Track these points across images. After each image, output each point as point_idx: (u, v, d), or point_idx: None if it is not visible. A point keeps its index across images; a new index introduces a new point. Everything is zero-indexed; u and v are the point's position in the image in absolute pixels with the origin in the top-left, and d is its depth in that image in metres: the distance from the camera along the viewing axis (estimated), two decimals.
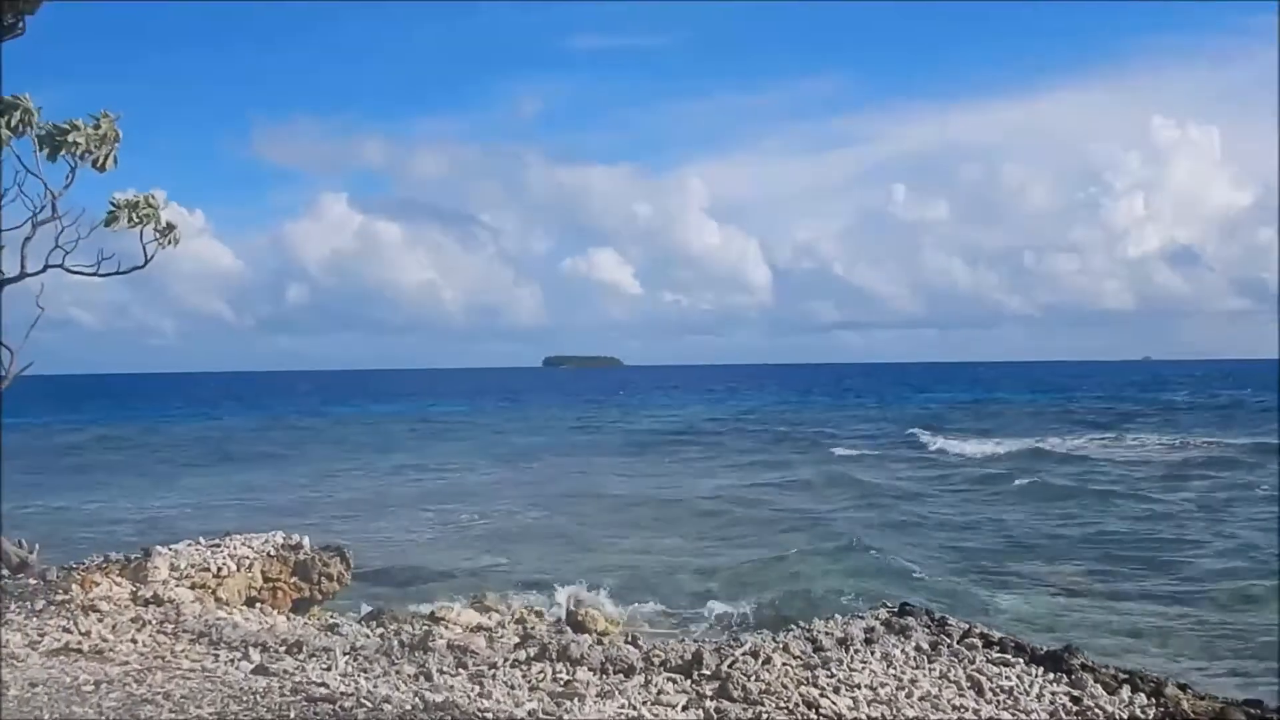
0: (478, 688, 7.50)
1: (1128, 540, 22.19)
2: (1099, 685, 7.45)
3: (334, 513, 27.99)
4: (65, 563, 12.27)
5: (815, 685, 7.42)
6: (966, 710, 7.08)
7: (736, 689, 7.27)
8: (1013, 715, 7.04)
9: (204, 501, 30.76)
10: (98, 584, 11.09)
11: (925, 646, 8.22)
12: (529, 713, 6.85)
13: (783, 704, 7.03)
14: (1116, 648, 13.10)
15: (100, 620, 9.65)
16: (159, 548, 12.45)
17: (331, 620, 11.59)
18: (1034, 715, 7.03)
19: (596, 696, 7.30)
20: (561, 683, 7.78)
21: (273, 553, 13.09)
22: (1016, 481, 31.85)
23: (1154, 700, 7.30)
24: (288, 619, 11.39)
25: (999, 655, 8.04)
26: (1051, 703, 7.22)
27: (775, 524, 24.85)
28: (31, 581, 11.11)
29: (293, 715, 6.29)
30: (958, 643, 8.38)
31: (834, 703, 7.02)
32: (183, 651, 8.62)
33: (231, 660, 8.20)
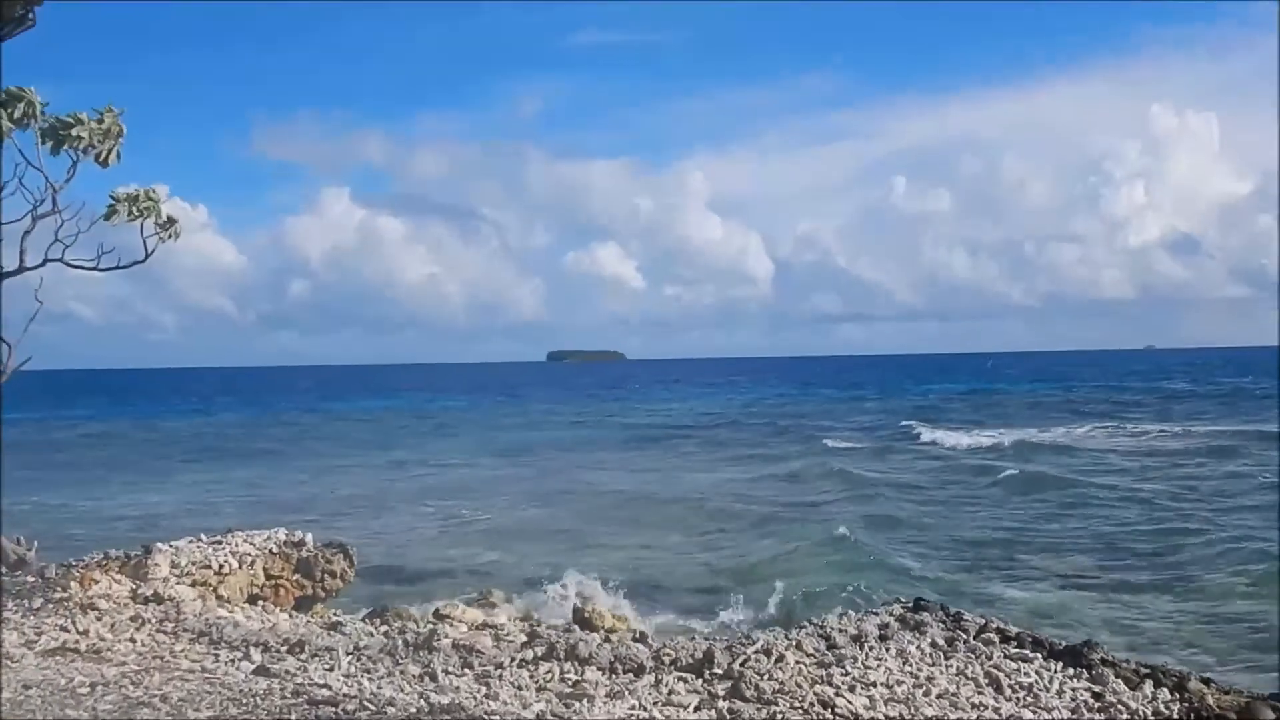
0: (484, 688, 7.34)
1: (1129, 531, 21.99)
2: (1120, 681, 7.28)
3: (335, 509, 27.84)
4: (64, 560, 12.10)
5: (830, 684, 7.25)
6: (986, 708, 6.91)
7: (749, 688, 7.10)
8: (1034, 713, 6.87)
9: (204, 498, 30.60)
10: (97, 582, 10.92)
11: (941, 642, 8.05)
12: (537, 714, 6.69)
13: (797, 704, 6.86)
14: (1124, 644, 12.93)
15: (99, 619, 9.48)
16: (160, 545, 12.27)
17: (335, 618, 11.43)
18: (1055, 712, 6.86)
19: (606, 697, 7.14)
20: (570, 683, 7.61)
21: (275, 550, 12.92)
22: (1009, 472, 31.54)
23: (1177, 695, 7.13)
24: (290, 617, 11.22)
25: (1016, 651, 7.87)
26: (1073, 699, 7.05)
27: (776, 519, 24.67)
28: (30, 579, 10.95)
29: (294, 719, 6.12)
30: (974, 638, 8.20)
31: (850, 702, 6.85)
32: (182, 651, 8.46)
33: (232, 660, 8.03)
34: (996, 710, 6.85)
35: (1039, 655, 7.75)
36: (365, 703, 6.55)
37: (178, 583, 11.43)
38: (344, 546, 13.53)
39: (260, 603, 12.11)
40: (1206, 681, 7.36)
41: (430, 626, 10.78)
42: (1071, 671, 7.44)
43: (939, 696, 7.07)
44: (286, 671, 7.72)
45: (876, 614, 8.96)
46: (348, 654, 8.42)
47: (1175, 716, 6.75)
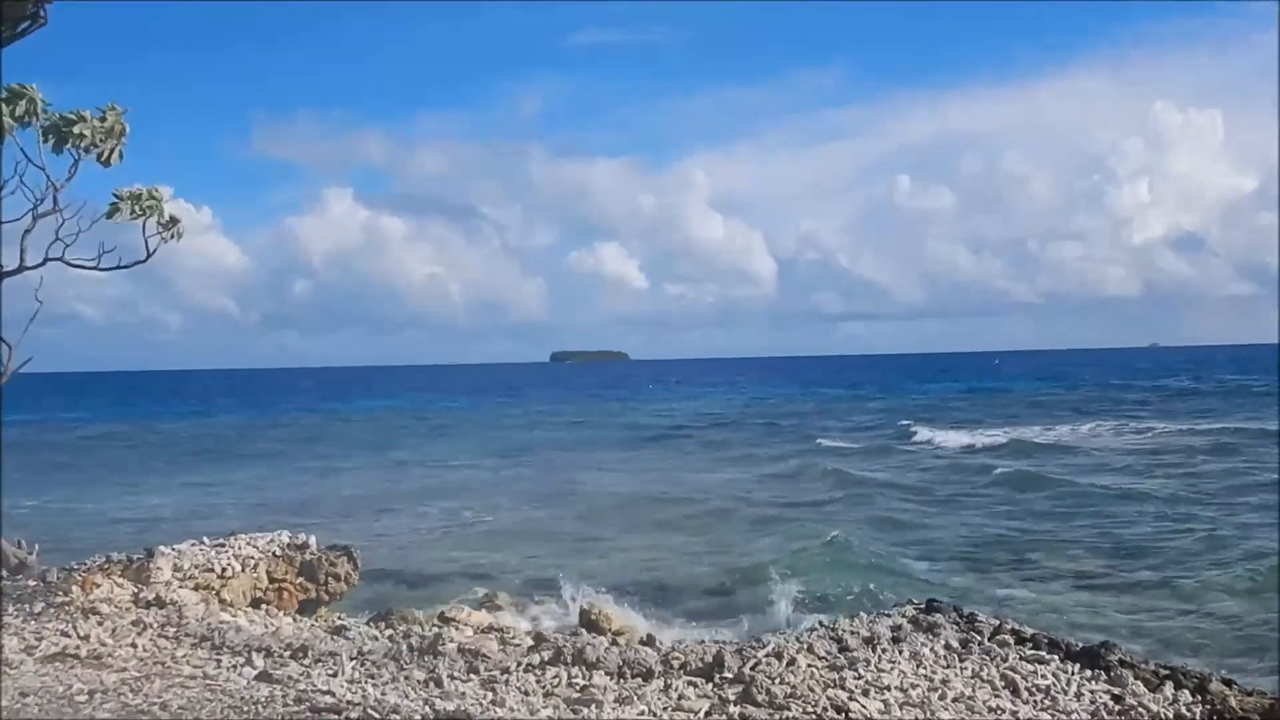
0: (490, 694, 7.21)
1: (1132, 530, 21.82)
2: (1140, 683, 7.14)
3: (338, 510, 27.73)
4: (66, 563, 11.99)
5: (843, 688, 7.12)
6: (1003, 712, 6.77)
7: (761, 693, 6.96)
8: (1052, 716, 6.73)
9: (206, 500, 30.51)
10: (99, 586, 10.81)
11: (955, 644, 7.91)
12: None
13: (810, 708, 6.73)
14: (1131, 643, 12.78)
15: (100, 624, 9.36)
16: (162, 548, 12.16)
17: (339, 622, 11.29)
18: (1074, 716, 6.72)
19: (614, 702, 7.00)
20: (578, 688, 7.48)
21: (278, 553, 12.79)
22: (1007, 471, 31.52)
23: (1198, 697, 6.99)
24: (293, 621, 11.09)
25: (1033, 652, 7.72)
26: (1092, 702, 6.90)
27: (780, 520, 24.55)
28: (31, 583, 10.84)
29: None
30: (989, 640, 8.06)
31: (864, 706, 6.72)
32: (184, 657, 8.33)
33: (234, 666, 7.91)
34: (1014, 714, 6.72)
35: (1055, 657, 7.61)
36: (369, 710, 6.42)
37: (180, 586, 11.31)
38: (348, 549, 13.40)
39: (264, 606, 11.98)
40: (1229, 683, 7.22)
41: (435, 630, 10.65)
42: (1089, 673, 7.30)
43: (955, 700, 6.93)
44: (289, 677, 7.59)
45: (888, 615, 8.82)
46: (351, 659, 8.29)
47: (1197, 719, 6.61)
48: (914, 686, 7.09)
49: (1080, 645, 7.84)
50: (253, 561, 12.46)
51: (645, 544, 22.17)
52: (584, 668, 7.92)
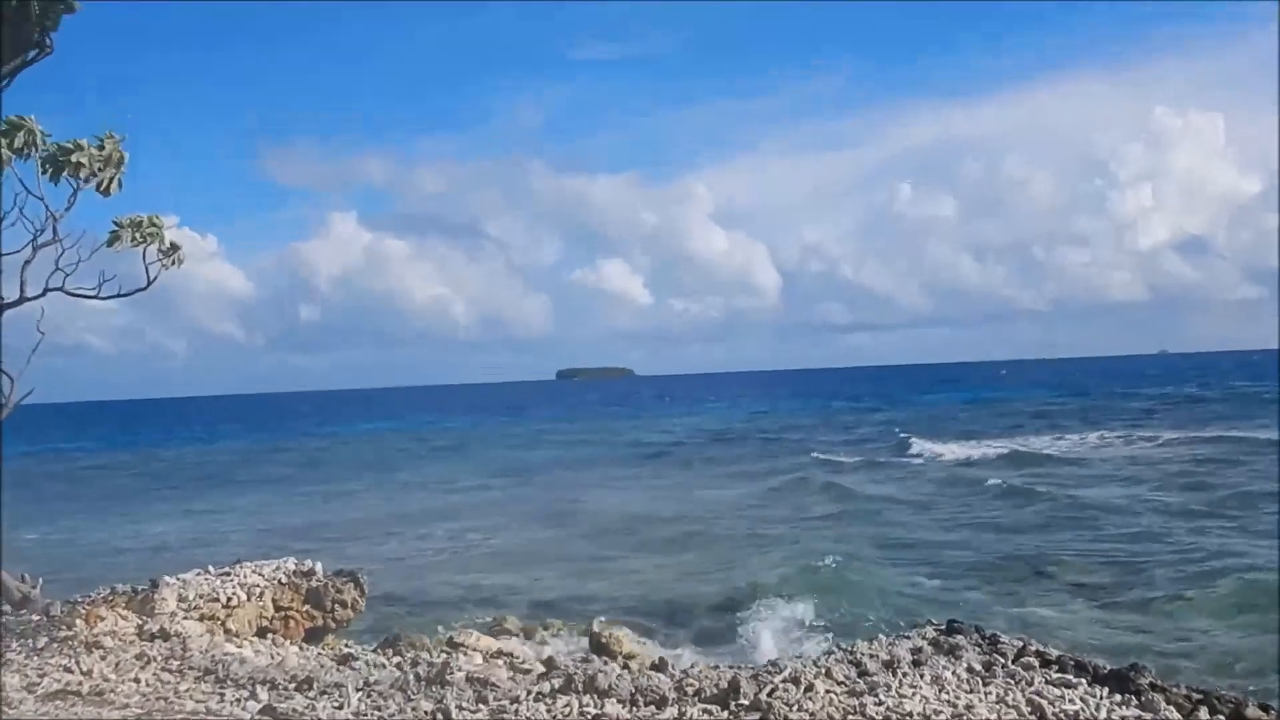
0: None
1: (1138, 546, 21.35)
2: (1172, 707, 6.91)
3: (343, 534, 27.56)
4: (69, 596, 11.82)
5: (863, 714, 6.92)
6: None
7: None
8: None
9: (211, 527, 30.35)
10: (103, 618, 10.63)
11: (978, 667, 7.69)
12: None
13: None
14: (1163, 668, 12.50)
15: (103, 658, 9.20)
16: (167, 578, 11.99)
17: (346, 650, 11.10)
18: None
19: None
20: (589, 717, 7.30)
21: (284, 580, 12.61)
22: (1000, 483, 31.26)
23: None
24: (300, 650, 10.90)
25: (1059, 675, 7.50)
26: None
27: (782, 538, 24.21)
28: (35, 617, 10.67)
29: None
30: (1012, 662, 7.84)
31: None
32: (187, 691, 8.17)
33: (238, 700, 7.75)
34: None
35: (1083, 680, 7.39)
36: None
37: (185, 617, 11.14)
38: (354, 575, 13.21)
39: (270, 635, 11.79)
40: (1265, 708, 6.99)
41: (443, 656, 10.46)
42: (1119, 698, 7.07)
43: None
44: (294, 710, 7.43)
45: (908, 637, 8.60)
46: (358, 690, 8.11)
47: None
48: (937, 713, 6.89)
49: (1108, 668, 7.61)
50: (258, 590, 12.28)
51: (651, 564, 21.95)
52: (595, 695, 7.74)
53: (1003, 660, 7.86)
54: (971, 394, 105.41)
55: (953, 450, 44.46)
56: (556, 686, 8.03)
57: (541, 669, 9.33)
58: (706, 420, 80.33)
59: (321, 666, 9.60)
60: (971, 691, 7.22)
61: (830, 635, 13.63)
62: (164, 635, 10.21)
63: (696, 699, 7.61)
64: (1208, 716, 6.89)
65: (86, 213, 9.79)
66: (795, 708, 7.09)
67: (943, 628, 8.87)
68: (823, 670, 7.75)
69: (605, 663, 9.65)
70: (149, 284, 10.05)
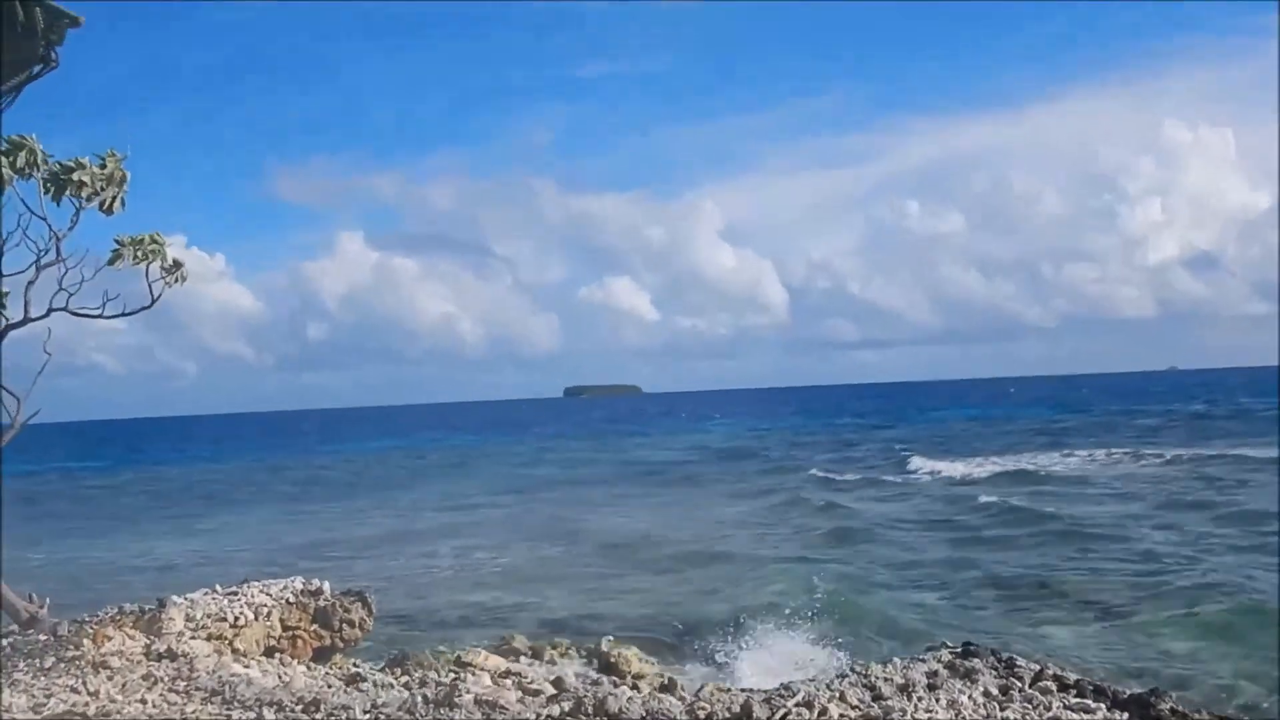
0: None
1: (1143, 566, 21.04)
2: None
3: (349, 552, 27.51)
4: (77, 616, 11.76)
5: None
6: None
7: None
8: None
9: (218, 546, 30.31)
10: (110, 638, 10.58)
11: (995, 691, 7.58)
12: None
13: None
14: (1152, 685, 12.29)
15: (110, 679, 9.14)
16: (174, 598, 11.93)
17: (354, 669, 11.04)
18: None
19: None
20: None
21: (292, 599, 12.53)
22: (999, 501, 30.94)
23: None
24: (308, 670, 10.83)
25: (1077, 700, 7.37)
26: None
27: (788, 558, 23.98)
28: (42, 637, 10.63)
29: None
30: (1030, 686, 7.72)
31: None
32: (194, 712, 8.11)
33: None
34: None
35: (1102, 705, 7.26)
36: None
37: (192, 637, 11.08)
38: (362, 594, 13.13)
39: (277, 655, 11.73)
40: None
41: (451, 676, 10.39)
42: None
43: None
44: None
45: (923, 660, 8.48)
46: (365, 713, 8.04)
47: None
48: None
49: (1127, 693, 7.49)
50: (266, 609, 12.21)
51: (658, 583, 21.81)
52: (606, 719, 7.65)
53: (1020, 684, 7.75)
54: (978, 410, 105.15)
55: (956, 468, 44.20)
56: (566, 710, 7.94)
57: (551, 690, 9.24)
58: (713, 438, 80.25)
59: (329, 687, 9.53)
60: (988, 717, 7.11)
61: (841, 657, 13.46)
62: (171, 655, 10.15)
63: None
64: None
65: (90, 232, 9.81)
66: None
67: (958, 650, 8.76)
68: (836, 694, 7.65)
69: (615, 684, 9.57)
70: (153, 302, 10.07)
